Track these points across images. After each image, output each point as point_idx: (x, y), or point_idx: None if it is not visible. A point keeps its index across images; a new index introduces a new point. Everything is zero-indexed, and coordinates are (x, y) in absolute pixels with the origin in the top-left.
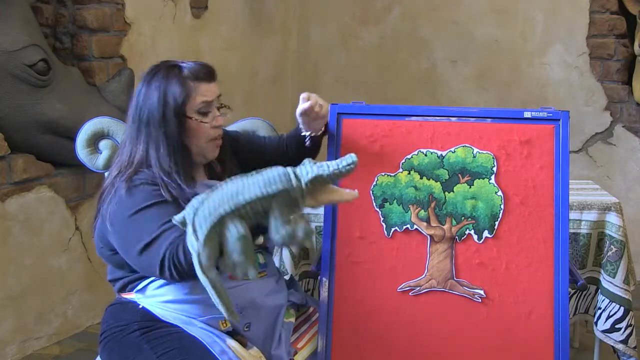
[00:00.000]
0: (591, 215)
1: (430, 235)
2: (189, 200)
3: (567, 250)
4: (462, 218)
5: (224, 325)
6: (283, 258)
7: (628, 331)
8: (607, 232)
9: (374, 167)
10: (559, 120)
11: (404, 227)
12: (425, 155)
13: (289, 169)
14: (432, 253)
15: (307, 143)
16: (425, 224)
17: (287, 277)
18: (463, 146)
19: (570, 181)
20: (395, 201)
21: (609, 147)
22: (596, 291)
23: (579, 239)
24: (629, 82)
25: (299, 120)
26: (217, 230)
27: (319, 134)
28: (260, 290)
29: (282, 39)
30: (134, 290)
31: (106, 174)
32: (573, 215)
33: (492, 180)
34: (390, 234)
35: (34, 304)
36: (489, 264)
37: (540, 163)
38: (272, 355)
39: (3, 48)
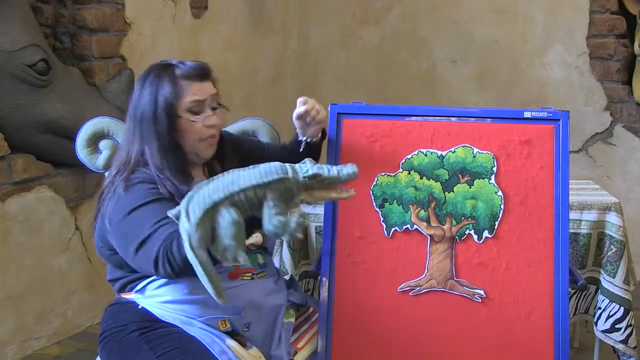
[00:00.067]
0: (591, 215)
1: (430, 235)
2: (184, 197)
3: (567, 250)
4: (462, 218)
5: (224, 325)
6: (283, 258)
7: (628, 331)
8: (607, 232)
9: (374, 167)
10: (559, 120)
11: (404, 227)
12: (425, 155)
13: (287, 164)
14: (432, 253)
15: (302, 149)
16: (425, 224)
17: (287, 277)
18: (463, 146)
19: (570, 181)
20: (395, 201)
21: (609, 147)
22: (596, 291)
23: (579, 239)
24: (629, 82)
25: (295, 124)
26: (209, 215)
27: (314, 140)
28: (259, 290)
29: (282, 39)
30: (134, 291)
31: (106, 173)
32: (573, 215)
33: (492, 180)
34: (390, 234)
35: (34, 304)
36: (489, 264)
37: (540, 163)
38: (271, 356)
39: (3, 48)
